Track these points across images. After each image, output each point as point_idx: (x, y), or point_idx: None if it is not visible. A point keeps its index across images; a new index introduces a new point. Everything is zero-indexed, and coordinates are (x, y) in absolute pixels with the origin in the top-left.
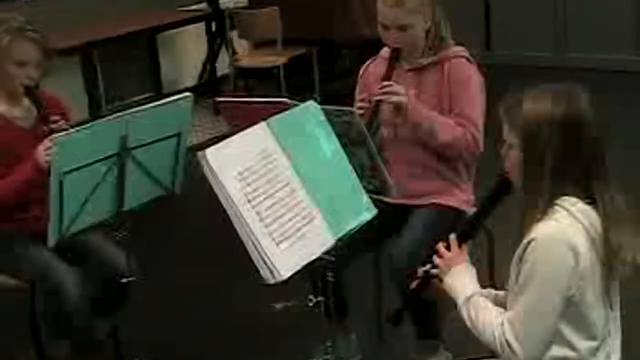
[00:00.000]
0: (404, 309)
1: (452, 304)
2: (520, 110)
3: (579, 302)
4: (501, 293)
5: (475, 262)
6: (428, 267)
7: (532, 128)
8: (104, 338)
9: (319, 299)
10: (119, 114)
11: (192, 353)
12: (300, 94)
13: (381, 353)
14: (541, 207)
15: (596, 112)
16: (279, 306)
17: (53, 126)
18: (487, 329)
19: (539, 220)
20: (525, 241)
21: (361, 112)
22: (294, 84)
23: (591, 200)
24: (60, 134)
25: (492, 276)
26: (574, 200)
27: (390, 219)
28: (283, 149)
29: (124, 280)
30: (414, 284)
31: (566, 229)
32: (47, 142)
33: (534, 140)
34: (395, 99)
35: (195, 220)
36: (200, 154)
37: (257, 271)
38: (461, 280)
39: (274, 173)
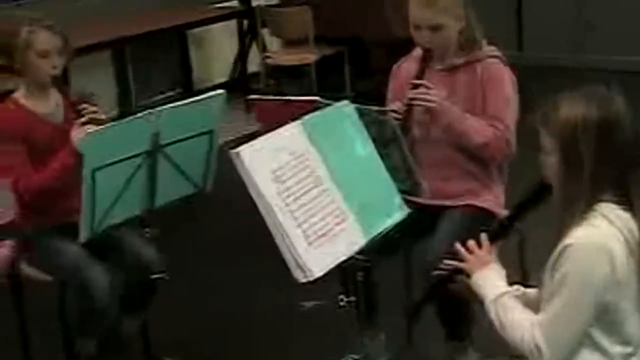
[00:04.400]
0: (425, 300)
1: (479, 299)
2: (556, 115)
3: (615, 308)
4: (531, 290)
5: (505, 260)
6: (457, 261)
7: (568, 132)
8: (133, 334)
9: (350, 298)
10: (151, 110)
11: (220, 351)
12: (331, 93)
13: (410, 353)
14: (579, 211)
15: (631, 115)
16: (308, 305)
17: (85, 111)
18: (516, 330)
19: (576, 225)
20: (561, 245)
21: (394, 114)
22: (324, 83)
23: (628, 206)
24: (94, 122)
25: (523, 274)
26: (612, 206)
27: (421, 220)
28: (316, 148)
29: (154, 277)
30: (439, 272)
31: (603, 234)
32: (79, 127)
33: (571, 145)
34: (424, 103)
35: (225, 218)
36: (233, 152)
37: (288, 269)
38: (490, 278)
39: (306, 172)
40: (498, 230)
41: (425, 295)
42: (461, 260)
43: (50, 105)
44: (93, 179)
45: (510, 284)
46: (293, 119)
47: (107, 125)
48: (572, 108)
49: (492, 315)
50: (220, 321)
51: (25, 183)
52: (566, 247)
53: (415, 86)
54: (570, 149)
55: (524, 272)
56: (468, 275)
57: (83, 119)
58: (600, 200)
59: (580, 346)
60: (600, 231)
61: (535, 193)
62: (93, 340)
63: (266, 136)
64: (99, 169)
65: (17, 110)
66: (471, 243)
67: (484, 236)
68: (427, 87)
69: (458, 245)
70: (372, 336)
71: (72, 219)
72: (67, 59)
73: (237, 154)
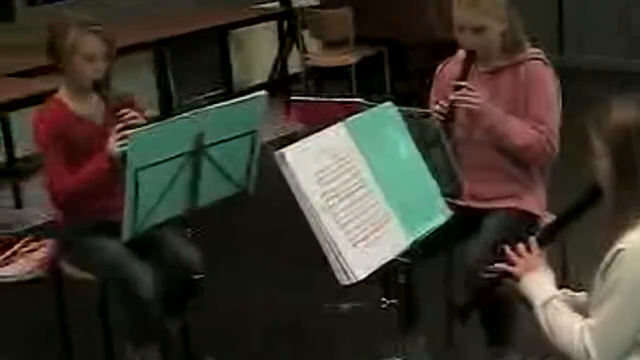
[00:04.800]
0: (473, 304)
1: (524, 306)
2: (608, 120)
3: None
4: (579, 295)
5: (548, 264)
6: (505, 264)
7: (620, 137)
8: (174, 334)
9: (391, 300)
10: (194, 111)
11: (261, 351)
12: (371, 94)
13: (450, 356)
14: (632, 216)
15: None
16: (348, 306)
17: (124, 117)
18: (565, 335)
19: (629, 230)
20: (613, 249)
21: (437, 115)
22: (364, 84)
23: None
24: (132, 128)
25: (565, 278)
26: None
27: (463, 222)
28: (360, 150)
29: (196, 277)
30: (488, 276)
31: None
32: (116, 133)
33: (623, 150)
34: (467, 105)
35: (266, 218)
36: (277, 153)
37: (328, 270)
38: (539, 282)
39: (350, 173)
40: (547, 234)
41: (473, 298)
42: (510, 263)
43: (91, 106)
44: (137, 178)
45: (558, 288)
46: (336, 121)
47: (153, 125)
48: (624, 112)
49: (541, 319)
50: (260, 321)
51: (59, 184)
52: (619, 251)
53: (458, 88)
54: (622, 154)
55: (565, 276)
56: (516, 279)
57: (121, 125)
58: None
59: (629, 352)
60: None
61: (587, 197)
62: (131, 338)
63: (310, 137)
64: (143, 168)
65: (58, 109)
66: (520, 246)
67: (532, 239)
68: (470, 89)
69: (508, 249)
70: (412, 338)
71: (113, 218)
72: (110, 64)
73: (282, 154)
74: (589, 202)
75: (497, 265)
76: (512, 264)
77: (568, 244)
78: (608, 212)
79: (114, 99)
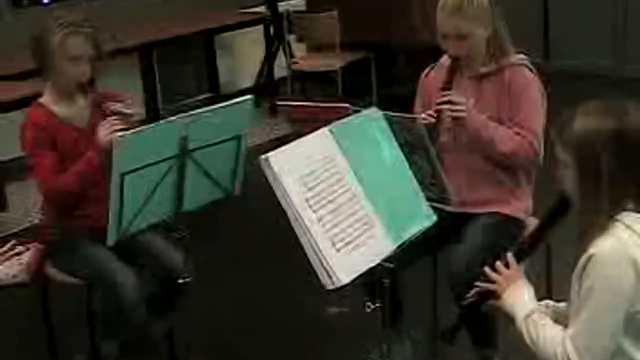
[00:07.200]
0: (459, 326)
1: (509, 318)
2: (572, 128)
3: None
4: (560, 305)
5: (532, 274)
6: (485, 283)
7: (584, 146)
8: (159, 338)
9: (377, 304)
10: (180, 115)
11: (247, 355)
12: (357, 98)
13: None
14: (600, 222)
15: None
16: (333, 310)
17: (112, 107)
18: (548, 346)
19: (598, 236)
20: (584, 256)
21: (425, 121)
22: (350, 88)
23: None
24: (121, 126)
25: (549, 288)
26: (633, 215)
27: (448, 226)
28: (345, 155)
29: (181, 280)
30: (469, 299)
31: (626, 243)
32: (106, 123)
33: (587, 158)
34: (454, 114)
35: (252, 222)
36: (262, 157)
37: (314, 275)
38: (519, 297)
39: (335, 178)
40: (523, 248)
41: (458, 320)
42: (489, 281)
43: (75, 109)
44: (121, 182)
45: (540, 299)
46: (321, 125)
47: (139, 128)
48: (586, 121)
49: (524, 333)
50: (247, 325)
51: (51, 183)
52: (590, 258)
53: (443, 95)
54: (587, 162)
55: (549, 286)
56: (497, 297)
57: (110, 118)
58: (622, 210)
59: (613, 357)
60: (623, 240)
61: (557, 207)
62: (119, 342)
63: (295, 142)
64: (128, 172)
65: (43, 114)
66: (499, 264)
67: (510, 255)
68: (455, 100)
69: (487, 269)
70: (398, 342)
71: (100, 223)
72: (96, 66)
73: (266, 159)
74: (560, 212)
75: (477, 284)
76: (492, 282)
77: (552, 255)
78: (578, 219)
79: (100, 96)
